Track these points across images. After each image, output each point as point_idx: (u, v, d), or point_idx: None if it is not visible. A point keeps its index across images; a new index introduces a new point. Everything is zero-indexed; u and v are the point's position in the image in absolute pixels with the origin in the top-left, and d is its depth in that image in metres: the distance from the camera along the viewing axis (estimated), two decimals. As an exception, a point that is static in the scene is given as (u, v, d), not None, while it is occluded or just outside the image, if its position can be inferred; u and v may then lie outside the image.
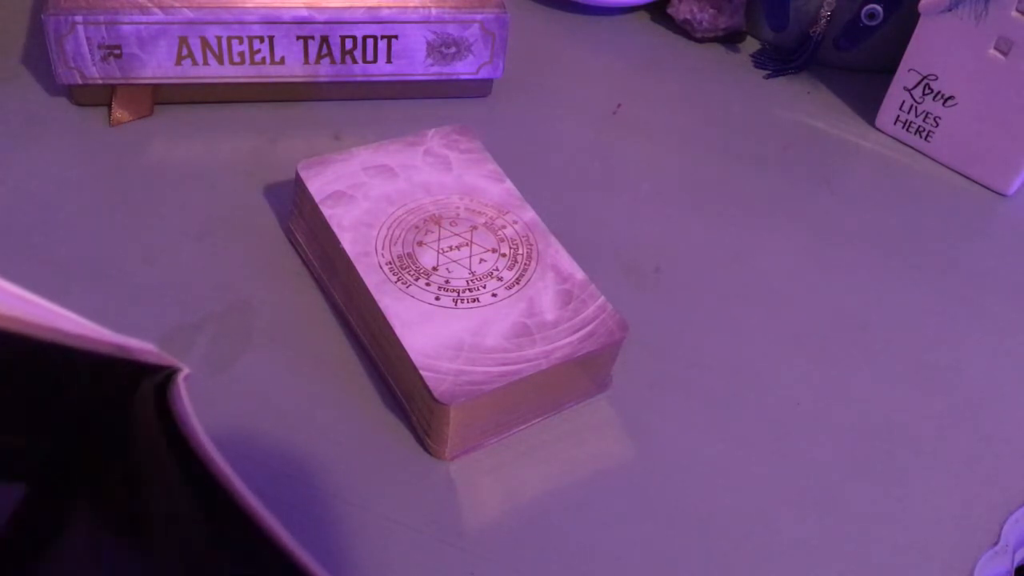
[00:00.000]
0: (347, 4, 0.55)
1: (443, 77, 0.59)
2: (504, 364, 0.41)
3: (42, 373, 0.24)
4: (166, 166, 0.54)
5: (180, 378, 0.25)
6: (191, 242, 0.50)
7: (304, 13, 0.54)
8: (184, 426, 0.25)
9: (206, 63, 0.54)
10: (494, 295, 0.44)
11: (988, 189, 0.61)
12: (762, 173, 0.60)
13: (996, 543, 0.43)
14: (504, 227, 0.47)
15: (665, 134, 0.62)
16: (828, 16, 0.65)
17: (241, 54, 0.55)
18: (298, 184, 0.48)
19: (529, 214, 0.48)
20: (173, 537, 0.26)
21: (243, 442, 0.42)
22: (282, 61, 0.55)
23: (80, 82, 0.53)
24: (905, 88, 0.62)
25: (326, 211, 0.46)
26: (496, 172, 0.50)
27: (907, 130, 0.63)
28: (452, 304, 0.43)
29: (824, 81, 0.68)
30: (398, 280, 0.43)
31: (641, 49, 0.68)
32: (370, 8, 0.55)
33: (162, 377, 0.26)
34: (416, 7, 0.56)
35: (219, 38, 0.54)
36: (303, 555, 0.25)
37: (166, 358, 0.25)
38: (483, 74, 0.59)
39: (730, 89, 0.66)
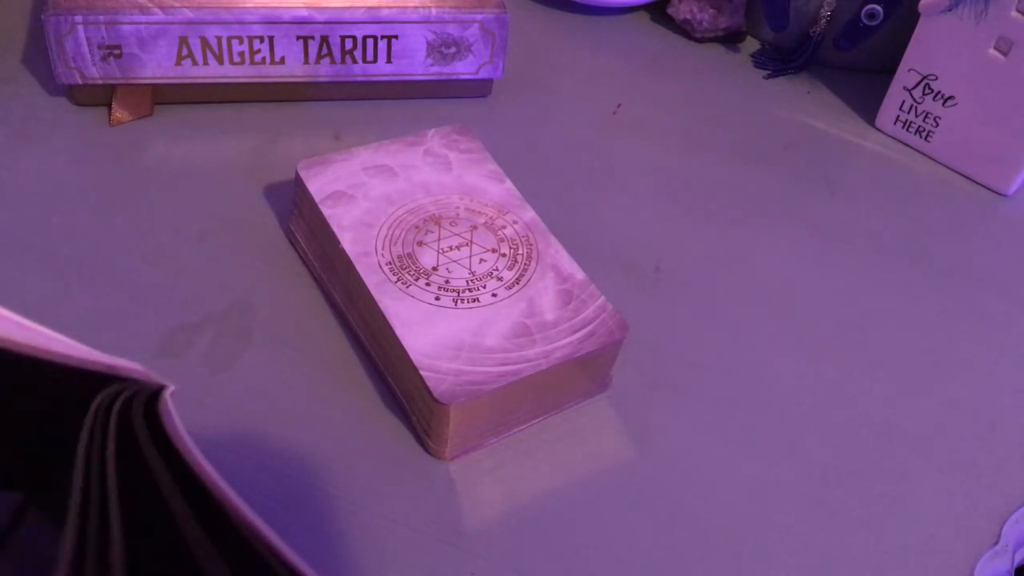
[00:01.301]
0: (347, 4, 0.55)
1: (443, 77, 0.59)
2: (504, 364, 0.41)
3: (30, 391, 0.24)
4: (166, 166, 0.54)
5: (167, 395, 0.25)
6: (191, 242, 0.50)
7: (304, 13, 0.54)
8: (176, 442, 0.25)
9: (206, 63, 0.54)
10: (494, 295, 0.44)
11: (988, 189, 0.61)
12: (762, 173, 0.60)
13: (996, 543, 0.43)
14: (504, 227, 0.47)
15: (665, 134, 0.62)
16: (828, 16, 0.65)
17: (241, 54, 0.55)
18: (298, 184, 0.48)
19: (529, 214, 0.48)
20: (167, 552, 0.26)
21: (243, 442, 0.42)
22: (282, 61, 0.55)
23: (80, 82, 0.53)
24: (905, 88, 0.62)
25: (326, 211, 0.46)
26: (496, 172, 0.50)
27: (907, 130, 0.63)
28: (452, 304, 0.43)
29: (824, 81, 0.68)
30: (398, 280, 0.43)
31: (641, 49, 0.68)
32: (370, 8, 0.55)
33: (150, 394, 0.26)
34: (416, 7, 0.56)
35: (219, 38, 0.54)
36: (295, 558, 0.25)
37: (153, 376, 0.25)
38: (483, 74, 0.59)
39: (730, 89, 0.66)
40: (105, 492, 0.26)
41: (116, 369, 0.25)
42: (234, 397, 0.43)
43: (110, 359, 0.25)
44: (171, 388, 0.25)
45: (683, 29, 0.69)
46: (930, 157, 0.63)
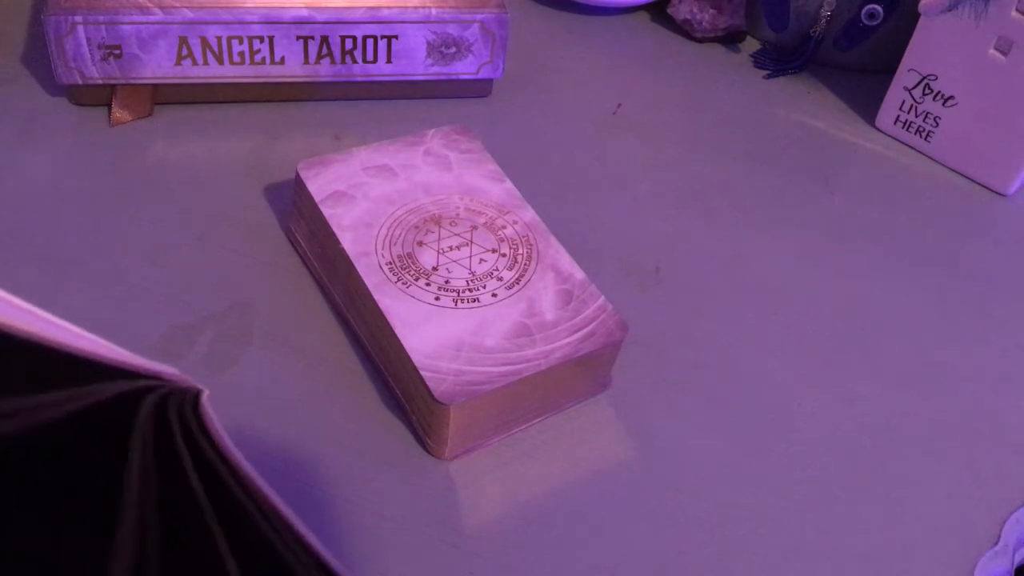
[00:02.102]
0: (347, 4, 0.55)
1: (443, 77, 0.59)
2: (504, 364, 0.41)
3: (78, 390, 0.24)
4: (166, 166, 0.54)
5: (205, 398, 0.26)
6: (191, 242, 0.50)
7: (304, 13, 0.54)
8: (221, 445, 0.25)
9: (206, 63, 0.54)
10: (494, 295, 0.44)
11: (988, 189, 0.61)
12: (762, 173, 0.60)
13: (996, 543, 0.43)
14: (504, 227, 0.47)
15: (665, 134, 0.62)
16: (828, 16, 0.65)
17: (241, 54, 0.55)
18: (298, 184, 0.48)
19: (529, 214, 0.48)
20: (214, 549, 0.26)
21: (243, 442, 0.42)
22: (282, 61, 0.55)
23: (80, 82, 0.53)
24: (905, 88, 0.62)
25: (326, 211, 0.46)
26: (496, 172, 0.50)
27: (907, 130, 0.63)
28: (452, 304, 0.43)
29: (824, 81, 0.68)
30: (398, 280, 0.43)
31: (641, 49, 0.68)
32: (370, 8, 0.55)
33: (192, 397, 0.26)
34: (416, 7, 0.56)
35: (219, 38, 0.54)
36: (330, 557, 0.25)
37: (189, 380, 0.26)
38: (483, 74, 0.59)
39: (730, 89, 0.66)
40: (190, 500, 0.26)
41: (155, 373, 0.25)
42: (234, 397, 0.43)
43: (150, 363, 0.25)
44: (207, 392, 0.25)
45: (683, 29, 0.69)
46: (930, 157, 0.63)
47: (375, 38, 0.56)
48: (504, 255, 0.45)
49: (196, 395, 0.25)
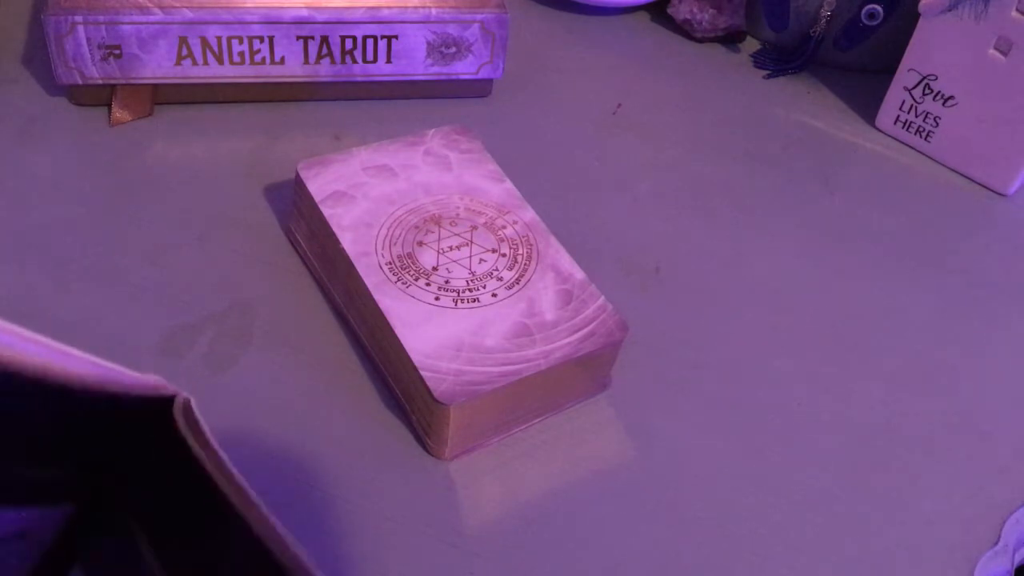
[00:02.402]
0: (347, 4, 0.55)
1: (443, 77, 0.59)
2: (504, 364, 0.41)
3: (74, 409, 0.24)
4: (166, 166, 0.54)
5: (193, 404, 0.26)
6: (191, 242, 0.50)
7: (304, 13, 0.54)
8: (209, 447, 0.26)
9: (206, 63, 0.54)
10: (494, 295, 0.44)
11: (988, 189, 0.61)
12: (762, 173, 0.60)
13: (996, 543, 0.43)
14: (504, 227, 0.47)
15: (665, 134, 0.62)
16: (828, 16, 0.65)
17: (241, 54, 0.55)
18: (298, 184, 0.48)
19: (529, 214, 0.48)
20: (201, 549, 0.27)
21: (243, 442, 0.42)
22: (282, 61, 0.55)
23: (80, 82, 0.53)
24: (905, 88, 0.62)
25: (326, 211, 0.46)
26: (496, 172, 0.50)
27: (907, 130, 0.63)
28: (452, 304, 0.43)
29: (824, 81, 0.68)
30: (398, 280, 0.43)
31: (641, 49, 0.68)
32: (370, 8, 0.55)
33: (181, 404, 0.26)
34: (416, 7, 0.56)
35: (219, 38, 0.54)
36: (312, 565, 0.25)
37: (172, 388, 0.26)
38: (483, 74, 0.59)
39: (730, 89, 0.66)
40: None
41: (160, 389, 0.25)
42: (234, 397, 0.43)
43: (132, 375, 0.25)
44: (192, 397, 0.26)
45: (683, 29, 0.69)
46: (930, 157, 0.63)
47: (375, 38, 0.56)
48: (504, 255, 0.45)
49: (185, 403, 0.25)
